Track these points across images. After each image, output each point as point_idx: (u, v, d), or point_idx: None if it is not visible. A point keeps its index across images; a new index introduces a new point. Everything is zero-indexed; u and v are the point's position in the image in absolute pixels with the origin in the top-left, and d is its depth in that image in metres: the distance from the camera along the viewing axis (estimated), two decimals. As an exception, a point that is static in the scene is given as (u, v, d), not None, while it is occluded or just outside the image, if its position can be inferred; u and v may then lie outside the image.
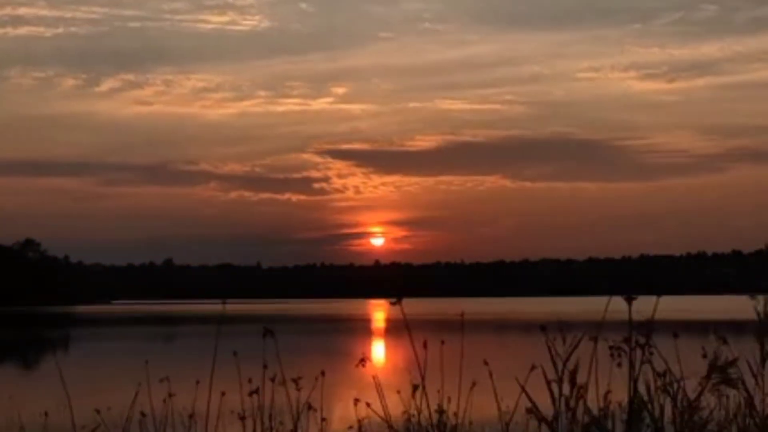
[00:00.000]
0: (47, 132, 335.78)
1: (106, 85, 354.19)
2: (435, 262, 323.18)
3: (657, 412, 6.66)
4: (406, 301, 7.19)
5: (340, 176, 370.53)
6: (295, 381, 9.12)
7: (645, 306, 6.78)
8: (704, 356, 6.96)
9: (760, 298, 7.04)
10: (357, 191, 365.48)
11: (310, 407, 9.10)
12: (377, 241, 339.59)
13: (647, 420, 6.62)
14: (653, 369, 6.72)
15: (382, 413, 8.45)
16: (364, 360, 8.74)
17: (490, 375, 8.60)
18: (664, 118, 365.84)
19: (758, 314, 7.04)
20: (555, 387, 6.55)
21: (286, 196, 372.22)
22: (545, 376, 6.54)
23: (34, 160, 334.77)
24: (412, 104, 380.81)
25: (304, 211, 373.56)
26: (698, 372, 6.87)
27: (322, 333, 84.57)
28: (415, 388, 7.96)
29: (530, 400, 6.62)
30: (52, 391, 24.80)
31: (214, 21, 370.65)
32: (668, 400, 6.75)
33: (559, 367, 6.48)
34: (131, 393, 9.50)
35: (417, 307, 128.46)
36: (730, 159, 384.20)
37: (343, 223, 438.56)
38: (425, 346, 7.67)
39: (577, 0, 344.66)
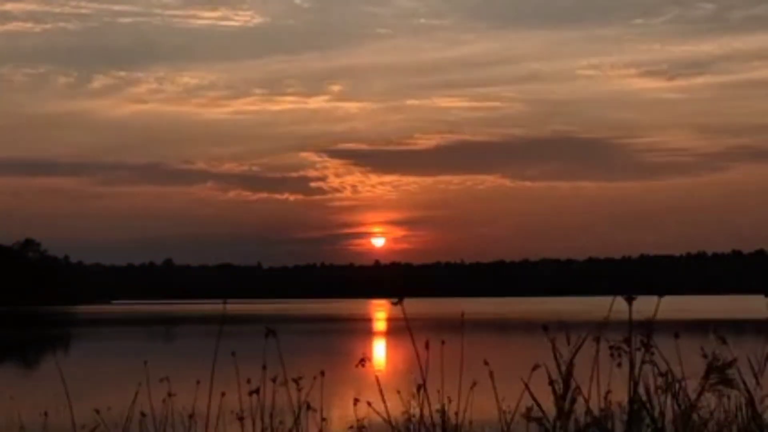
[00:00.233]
0: (42, 131, 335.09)
1: (99, 82, 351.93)
2: (435, 262, 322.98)
3: (657, 412, 6.66)
4: (406, 301, 7.18)
5: (337, 175, 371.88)
6: (296, 381, 9.12)
7: (645, 306, 6.78)
8: (704, 356, 6.96)
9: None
10: (355, 191, 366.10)
11: (309, 407, 9.09)
12: (377, 241, 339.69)
13: (647, 420, 6.62)
14: (654, 369, 6.72)
15: (382, 413, 8.44)
16: (364, 360, 8.73)
17: (491, 375, 8.58)
18: (664, 117, 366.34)
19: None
20: (557, 387, 6.54)
21: (284, 195, 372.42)
22: (549, 376, 6.52)
23: (29, 159, 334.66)
24: (409, 102, 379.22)
25: (303, 211, 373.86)
26: (698, 372, 6.87)
27: (322, 333, 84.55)
28: (419, 388, 7.95)
29: (534, 399, 6.62)
30: (52, 391, 24.82)
31: (206, 16, 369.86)
32: (668, 400, 6.75)
33: (563, 367, 6.47)
34: (131, 393, 9.49)
35: (417, 307, 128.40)
36: (731, 158, 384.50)
37: (343, 223, 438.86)
38: (427, 346, 7.66)
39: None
